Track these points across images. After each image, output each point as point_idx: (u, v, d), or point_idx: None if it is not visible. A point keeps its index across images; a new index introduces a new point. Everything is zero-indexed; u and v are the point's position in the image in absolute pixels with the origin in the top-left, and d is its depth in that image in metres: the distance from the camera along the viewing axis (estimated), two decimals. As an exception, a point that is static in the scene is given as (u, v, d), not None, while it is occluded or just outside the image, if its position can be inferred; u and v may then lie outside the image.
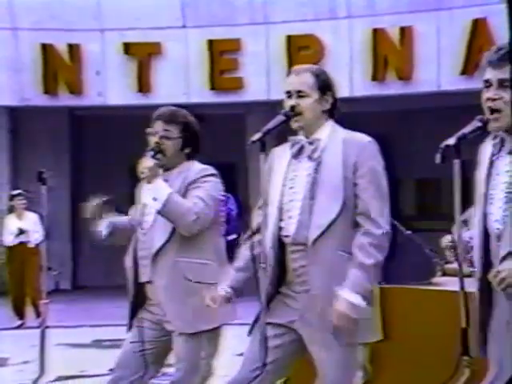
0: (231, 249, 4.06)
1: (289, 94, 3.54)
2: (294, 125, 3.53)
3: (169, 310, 3.90)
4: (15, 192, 11.38)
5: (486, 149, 3.16)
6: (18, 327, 10.73)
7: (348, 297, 3.32)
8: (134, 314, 4.06)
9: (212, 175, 4.00)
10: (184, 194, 3.91)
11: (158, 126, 3.99)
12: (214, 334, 3.96)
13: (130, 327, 4.08)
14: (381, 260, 3.40)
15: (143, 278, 3.98)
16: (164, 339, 3.99)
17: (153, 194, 3.86)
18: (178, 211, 3.84)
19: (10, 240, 10.95)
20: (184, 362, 3.92)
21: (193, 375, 3.93)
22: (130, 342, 4.03)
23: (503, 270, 2.94)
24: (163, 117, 4.01)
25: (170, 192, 3.85)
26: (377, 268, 3.41)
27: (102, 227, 4.14)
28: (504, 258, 2.99)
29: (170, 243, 3.90)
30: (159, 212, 3.86)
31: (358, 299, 3.33)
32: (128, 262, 4.06)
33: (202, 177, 3.96)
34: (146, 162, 3.88)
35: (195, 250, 3.92)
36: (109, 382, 4.05)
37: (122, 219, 4.20)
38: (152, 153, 3.91)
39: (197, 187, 3.92)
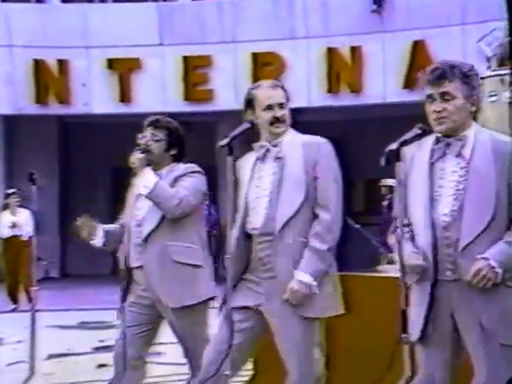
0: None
1: (270, 106, 3.52)
2: (277, 130, 3.53)
3: (160, 290, 3.92)
4: (10, 191, 11.36)
5: (421, 153, 3.17)
6: (12, 311, 10.65)
7: (301, 277, 3.37)
8: (125, 298, 4.06)
9: (197, 172, 4.06)
10: (172, 187, 3.98)
11: (147, 132, 4.09)
12: (202, 306, 3.99)
13: (121, 310, 4.08)
14: (333, 244, 3.44)
15: (136, 264, 4.01)
16: (156, 321, 4.01)
17: (143, 182, 3.95)
18: (164, 195, 3.90)
19: (5, 233, 10.92)
20: (183, 332, 3.95)
21: (199, 344, 3.89)
22: (128, 327, 4.02)
23: (481, 268, 2.94)
24: (151, 123, 4.11)
25: (158, 180, 3.93)
26: (330, 251, 3.45)
27: (99, 238, 4.14)
28: (463, 250, 3.01)
29: (159, 230, 3.96)
30: (147, 196, 3.93)
31: (309, 278, 3.37)
32: (122, 251, 4.10)
33: (188, 172, 4.03)
34: (137, 155, 4.00)
35: (182, 236, 3.96)
36: (115, 355, 4.05)
37: (112, 226, 4.23)
38: (140, 151, 4.02)
39: (182, 180, 4.00)
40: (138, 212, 4.05)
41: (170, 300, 3.91)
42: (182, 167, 4.07)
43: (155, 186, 3.90)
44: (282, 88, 3.61)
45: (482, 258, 2.96)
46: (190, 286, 3.93)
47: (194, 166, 4.08)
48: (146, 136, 4.09)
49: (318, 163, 3.46)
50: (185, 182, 3.98)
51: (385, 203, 11.83)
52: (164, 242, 3.95)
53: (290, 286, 3.39)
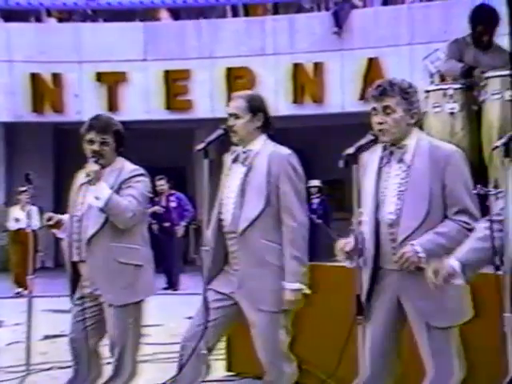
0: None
1: (229, 115, 3.54)
2: (233, 139, 3.55)
3: (102, 287, 3.67)
4: (22, 188, 11.31)
5: (373, 159, 3.20)
6: (17, 294, 10.64)
7: (291, 287, 3.40)
8: (73, 289, 3.84)
9: (142, 175, 3.73)
10: (117, 191, 3.65)
11: (95, 136, 3.72)
12: (138, 305, 3.74)
13: (72, 299, 3.88)
14: (305, 246, 3.45)
15: (75, 258, 3.75)
16: (100, 310, 3.76)
17: (95, 193, 3.60)
18: (118, 209, 3.58)
19: (13, 226, 11.09)
20: (115, 330, 3.70)
21: (124, 340, 3.70)
22: (76, 321, 3.83)
23: (406, 252, 2.99)
24: (97, 128, 3.73)
25: (111, 192, 3.59)
26: (305, 253, 3.46)
27: (63, 231, 3.88)
28: (401, 243, 3.04)
29: (104, 230, 3.64)
30: (101, 209, 3.59)
31: (297, 285, 3.41)
32: (64, 244, 3.83)
33: (134, 176, 3.70)
34: (92, 167, 3.64)
35: (126, 237, 3.66)
36: (69, 342, 3.88)
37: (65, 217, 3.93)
38: (94, 159, 3.66)
39: (130, 187, 3.66)
40: (79, 207, 3.75)
41: (111, 298, 3.67)
42: (127, 169, 3.72)
43: (109, 199, 3.55)
44: (247, 100, 3.51)
45: (410, 244, 2.99)
46: (132, 285, 3.66)
47: (138, 169, 3.74)
48: (95, 142, 3.70)
49: (280, 174, 3.42)
50: (133, 190, 3.65)
51: (316, 201, 12.09)
52: (108, 243, 3.64)
53: (285, 298, 3.40)
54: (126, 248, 3.68)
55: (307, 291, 3.43)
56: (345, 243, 3.16)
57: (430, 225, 3.00)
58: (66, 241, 3.81)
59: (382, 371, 3.12)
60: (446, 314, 3.01)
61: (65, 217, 3.87)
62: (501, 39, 5.34)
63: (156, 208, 11.17)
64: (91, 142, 3.74)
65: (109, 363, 3.82)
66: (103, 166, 3.68)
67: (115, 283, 3.66)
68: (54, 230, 3.88)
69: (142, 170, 3.76)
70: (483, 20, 5.32)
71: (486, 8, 5.64)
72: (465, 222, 3.00)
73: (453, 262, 2.83)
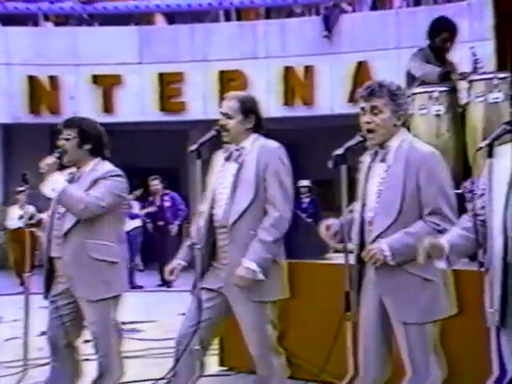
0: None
1: (221, 114, 3.55)
2: (224, 138, 3.55)
3: (76, 282, 3.66)
4: (20, 188, 11.29)
5: (366, 158, 3.24)
6: (22, 292, 10.59)
7: (247, 264, 3.35)
8: (48, 284, 3.82)
9: (117, 175, 3.73)
10: (91, 188, 3.67)
11: (63, 133, 3.79)
12: (115, 300, 3.72)
13: (46, 296, 3.85)
14: (278, 237, 3.40)
15: (53, 254, 3.74)
16: (77, 306, 3.74)
17: (51, 185, 3.64)
18: (70, 201, 3.59)
19: (13, 224, 11.08)
20: (95, 327, 3.69)
21: (107, 337, 3.69)
22: (53, 318, 3.79)
23: (373, 249, 3.01)
24: (64, 124, 3.80)
25: (65, 185, 3.62)
26: (276, 243, 3.40)
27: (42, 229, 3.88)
28: (374, 240, 3.06)
29: (78, 226, 3.64)
30: (56, 201, 3.65)
31: (254, 266, 3.35)
32: (43, 239, 3.80)
33: (107, 176, 3.69)
34: (47, 160, 3.67)
35: (100, 234, 3.65)
36: (47, 339, 3.80)
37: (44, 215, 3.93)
38: (57, 154, 3.71)
39: (100, 182, 3.67)
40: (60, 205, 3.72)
41: (86, 293, 3.65)
42: (104, 168, 3.72)
43: (62, 191, 3.59)
44: (241, 101, 3.52)
45: (377, 242, 3.01)
46: (106, 281, 3.65)
47: (114, 170, 3.72)
48: (62, 139, 3.75)
49: (267, 166, 3.43)
50: (100, 185, 3.65)
51: (306, 200, 12.12)
52: (82, 239, 3.64)
53: (237, 272, 3.37)
54: (99, 244, 3.66)
55: (261, 277, 3.36)
56: (328, 225, 3.21)
57: (404, 224, 3.01)
58: (45, 237, 3.79)
59: (376, 371, 3.10)
60: (419, 310, 3.01)
61: (45, 216, 3.88)
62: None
63: (150, 209, 11.29)
64: (61, 139, 3.79)
65: (89, 360, 3.79)
66: (70, 162, 3.72)
67: (89, 279, 3.63)
68: (34, 229, 3.89)
69: (118, 171, 3.73)
70: (447, 28, 5.51)
71: (446, 18, 5.81)
72: (435, 223, 2.99)
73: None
